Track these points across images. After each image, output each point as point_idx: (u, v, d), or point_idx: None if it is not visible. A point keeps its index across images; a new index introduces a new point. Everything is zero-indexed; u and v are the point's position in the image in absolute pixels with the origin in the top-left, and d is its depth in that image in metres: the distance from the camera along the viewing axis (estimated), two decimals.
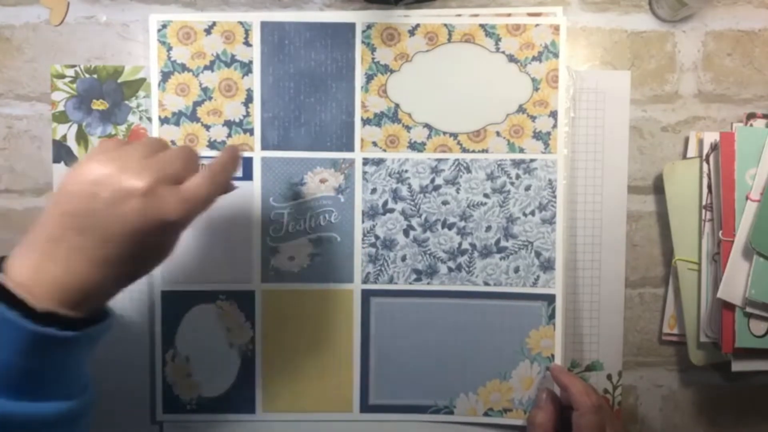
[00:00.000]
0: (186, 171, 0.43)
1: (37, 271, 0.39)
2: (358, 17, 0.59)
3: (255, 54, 0.59)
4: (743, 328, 0.56)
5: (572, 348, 0.62)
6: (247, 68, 0.59)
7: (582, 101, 0.60)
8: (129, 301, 0.60)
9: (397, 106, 0.60)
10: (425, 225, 0.60)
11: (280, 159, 0.60)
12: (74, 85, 0.60)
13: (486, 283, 0.60)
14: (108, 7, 0.60)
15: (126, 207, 0.39)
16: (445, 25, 0.59)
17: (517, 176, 0.60)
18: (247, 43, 0.59)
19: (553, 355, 0.60)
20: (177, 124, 0.59)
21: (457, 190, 0.60)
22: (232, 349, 0.61)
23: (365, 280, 0.60)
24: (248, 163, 0.59)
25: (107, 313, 0.43)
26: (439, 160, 0.60)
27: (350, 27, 0.59)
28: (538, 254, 0.60)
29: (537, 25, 0.59)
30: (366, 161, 0.60)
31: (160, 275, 0.60)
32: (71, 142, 0.60)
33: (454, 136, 0.60)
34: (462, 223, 0.60)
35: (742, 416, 0.63)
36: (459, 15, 0.59)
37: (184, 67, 0.59)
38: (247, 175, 0.60)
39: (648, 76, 0.61)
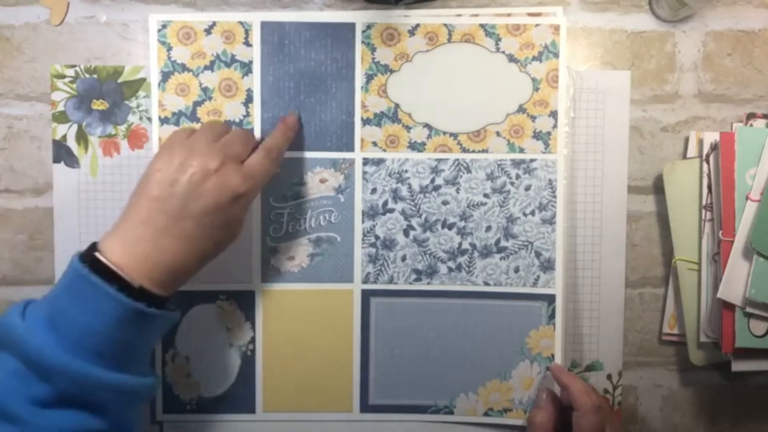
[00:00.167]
0: (246, 150, 0.51)
1: (130, 251, 0.45)
2: (358, 17, 0.59)
3: (255, 54, 0.59)
4: (743, 328, 0.56)
5: (572, 348, 0.62)
6: (247, 68, 0.59)
7: (582, 101, 0.61)
8: None
9: (397, 106, 0.60)
10: (425, 225, 0.60)
11: None
12: (74, 85, 0.60)
13: (486, 283, 0.60)
14: (108, 7, 0.60)
15: (203, 186, 0.47)
16: (445, 25, 0.59)
17: (517, 176, 0.60)
18: (247, 43, 0.59)
19: (553, 355, 0.60)
20: (177, 124, 0.59)
21: (457, 190, 0.60)
22: (232, 349, 0.61)
23: (365, 280, 0.60)
24: None
25: (174, 309, 0.49)
26: (439, 160, 0.60)
27: (350, 27, 0.59)
28: (538, 254, 0.60)
29: (537, 25, 0.59)
30: (366, 161, 0.60)
31: None
32: (71, 142, 0.60)
33: (454, 136, 0.60)
34: (462, 223, 0.60)
35: (742, 416, 0.63)
36: (459, 15, 0.59)
37: (184, 67, 0.59)
38: None
39: (648, 76, 0.61)
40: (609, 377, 0.62)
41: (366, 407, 0.61)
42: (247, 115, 0.59)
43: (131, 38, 0.60)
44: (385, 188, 0.60)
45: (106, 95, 0.60)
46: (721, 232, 0.57)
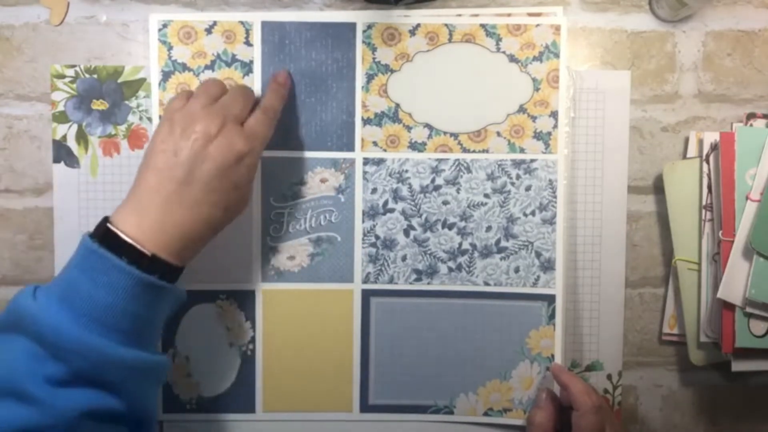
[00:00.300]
0: (245, 110, 0.52)
1: (140, 220, 0.46)
2: (358, 17, 0.59)
3: (255, 54, 0.59)
4: (743, 328, 0.56)
5: (572, 348, 0.62)
6: (247, 68, 0.59)
7: (582, 101, 0.61)
8: None
9: (397, 105, 0.60)
10: (425, 225, 0.60)
11: (280, 159, 0.60)
12: (74, 85, 0.60)
13: (486, 283, 0.60)
14: (108, 7, 0.60)
15: (207, 150, 0.48)
16: (446, 25, 0.59)
17: (518, 176, 0.60)
18: (248, 43, 0.59)
19: (553, 355, 0.60)
20: None
21: (458, 190, 0.60)
22: (232, 349, 0.61)
23: (365, 280, 0.60)
24: None
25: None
26: (439, 160, 0.60)
27: (351, 27, 0.59)
28: (538, 254, 0.60)
29: (537, 25, 0.59)
30: (366, 161, 0.60)
31: None
32: (71, 142, 0.60)
33: (455, 136, 0.60)
34: (462, 223, 0.60)
35: (742, 416, 0.63)
36: (459, 15, 0.59)
37: (184, 67, 0.59)
38: None
39: (648, 76, 0.61)
40: (609, 377, 0.62)
41: (366, 407, 0.61)
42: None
43: (131, 38, 0.60)
44: (386, 188, 0.60)
45: (106, 95, 0.60)
46: (721, 232, 0.57)
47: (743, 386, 0.63)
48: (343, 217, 0.60)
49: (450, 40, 0.59)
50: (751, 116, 0.61)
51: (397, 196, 0.60)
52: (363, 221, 0.60)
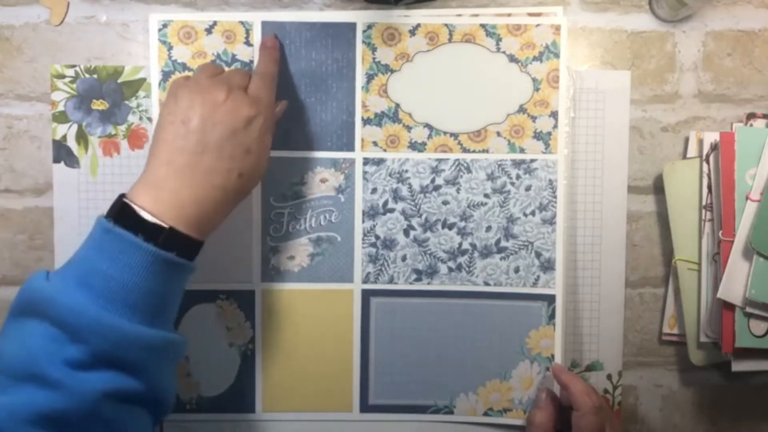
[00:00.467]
0: (245, 80, 0.52)
1: (157, 194, 0.46)
2: (358, 17, 0.59)
3: (256, 54, 0.59)
4: (743, 328, 0.56)
5: (572, 348, 0.62)
6: (247, 68, 0.59)
7: (582, 101, 0.61)
8: None
9: (397, 105, 0.60)
10: (425, 225, 0.60)
11: (280, 159, 0.59)
12: (74, 85, 0.60)
13: (486, 283, 0.60)
14: (108, 7, 0.60)
15: (215, 117, 0.48)
16: (446, 25, 0.59)
17: (518, 176, 0.60)
18: (248, 43, 0.59)
19: (553, 355, 0.60)
20: None
21: (458, 190, 0.60)
22: (232, 348, 0.61)
23: (365, 280, 0.60)
24: None
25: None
26: (439, 160, 0.60)
27: (351, 27, 0.59)
28: (538, 254, 0.60)
29: (537, 25, 0.59)
30: (366, 161, 0.60)
31: None
32: (71, 142, 0.60)
33: (455, 136, 0.60)
34: (462, 223, 0.60)
35: (742, 416, 0.63)
36: (459, 15, 0.59)
37: (185, 67, 0.59)
38: None
39: (648, 76, 0.61)
40: (609, 377, 0.62)
41: (366, 407, 0.61)
42: None
43: (131, 38, 0.60)
44: (386, 188, 0.60)
45: (106, 95, 0.60)
46: (721, 232, 0.57)
47: (743, 386, 0.63)
48: (343, 217, 0.60)
49: (450, 40, 0.59)
50: (751, 116, 0.61)
51: (397, 196, 0.60)
52: (363, 221, 0.60)
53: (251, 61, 0.59)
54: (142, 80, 0.60)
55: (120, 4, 0.60)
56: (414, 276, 0.60)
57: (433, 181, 0.60)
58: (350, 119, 0.60)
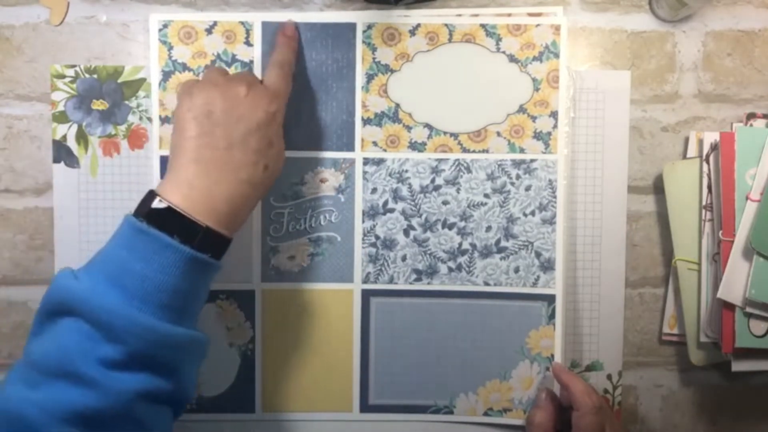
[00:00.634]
0: (255, 77, 0.52)
1: (189, 192, 0.45)
2: (358, 17, 0.59)
3: (256, 54, 0.59)
4: (743, 328, 0.56)
5: (572, 348, 0.62)
6: (248, 68, 0.59)
7: (582, 101, 0.61)
8: None
9: (397, 105, 0.60)
10: (425, 225, 0.60)
11: None
12: (74, 85, 0.60)
13: (486, 283, 0.60)
14: (108, 7, 0.60)
15: (239, 111, 0.48)
16: (446, 25, 0.59)
17: (518, 176, 0.60)
18: (248, 43, 0.59)
19: (553, 355, 0.60)
20: None
21: (458, 190, 0.60)
22: (232, 348, 0.61)
23: (365, 280, 0.60)
24: None
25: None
26: (439, 160, 0.60)
27: (351, 27, 0.59)
28: (538, 254, 0.60)
29: (537, 25, 0.59)
30: (366, 161, 0.60)
31: None
32: (71, 142, 0.60)
33: (455, 136, 0.60)
34: (462, 223, 0.60)
35: (742, 416, 0.63)
36: (459, 15, 0.59)
37: (185, 67, 0.59)
38: None
39: (648, 76, 0.61)
40: (609, 377, 0.62)
41: (366, 407, 0.61)
42: None
43: (131, 38, 0.60)
44: (386, 188, 0.60)
45: (106, 95, 0.60)
46: (721, 232, 0.57)
47: (743, 386, 0.63)
48: (343, 217, 0.60)
49: (450, 40, 0.59)
50: (751, 116, 0.61)
51: (397, 196, 0.60)
52: (363, 221, 0.60)
53: (251, 61, 0.59)
54: (142, 80, 0.60)
55: (120, 4, 0.60)
56: (414, 276, 0.60)
57: (433, 181, 0.60)
58: (350, 119, 0.60)
